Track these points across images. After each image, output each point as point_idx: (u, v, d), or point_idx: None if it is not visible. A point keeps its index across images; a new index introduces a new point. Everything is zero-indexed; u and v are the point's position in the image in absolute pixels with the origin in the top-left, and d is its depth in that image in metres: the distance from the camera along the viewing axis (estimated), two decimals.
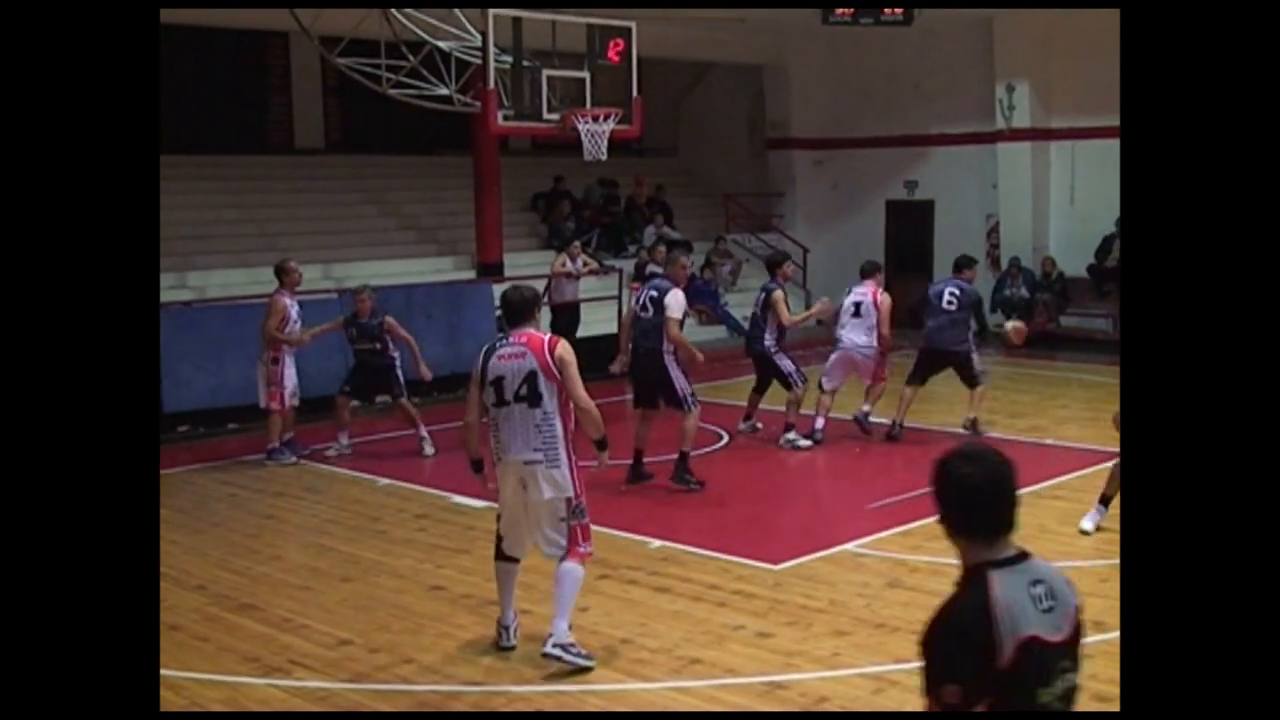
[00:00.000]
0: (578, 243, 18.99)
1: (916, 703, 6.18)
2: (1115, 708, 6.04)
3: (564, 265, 17.79)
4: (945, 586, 7.92)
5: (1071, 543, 8.72)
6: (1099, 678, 6.44)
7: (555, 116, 13.23)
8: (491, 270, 18.57)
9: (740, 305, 21.36)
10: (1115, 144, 18.42)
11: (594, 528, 9.62)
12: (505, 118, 13.20)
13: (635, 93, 13.81)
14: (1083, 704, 6.10)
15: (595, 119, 13.31)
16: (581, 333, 17.68)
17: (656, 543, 9.12)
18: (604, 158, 13.62)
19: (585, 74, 13.37)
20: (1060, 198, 20.69)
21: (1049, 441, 12.46)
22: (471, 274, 18.77)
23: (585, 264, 18.30)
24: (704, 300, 20.34)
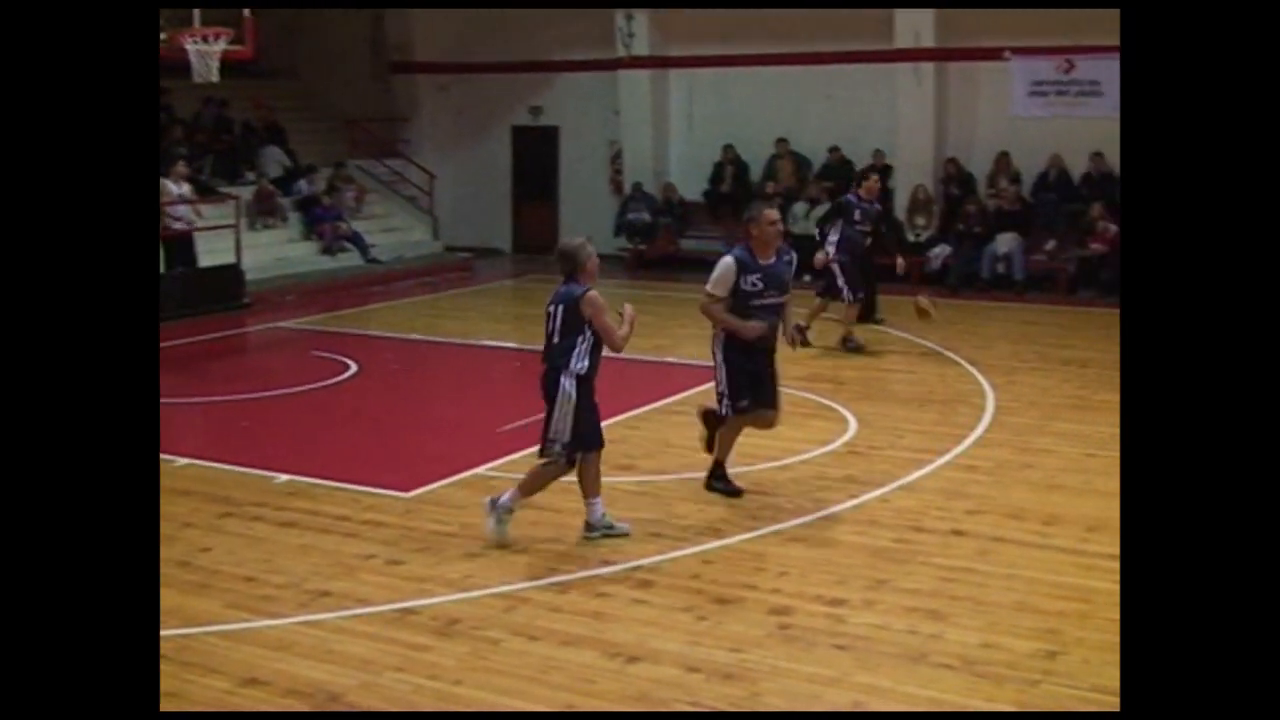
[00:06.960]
0: (181, 163, 17.59)
1: (547, 616, 6.30)
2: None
3: (165, 190, 16.51)
4: (573, 503, 8.05)
5: (693, 456, 8.94)
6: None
7: (162, 36, 12.53)
8: None
9: (364, 232, 20.91)
10: (730, 73, 19.33)
11: (215, 465, 9.27)
12: None
13: (247, 12, 13.26)
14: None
15: (205, 39, 12.73)
16: (203, 263, 16.81)
17: (283, 477, 8.86)
18: (215, 79, 13.05)
19: None
20: (679, 125, 21.30)
21: (671, 359, 12.87)
22: None
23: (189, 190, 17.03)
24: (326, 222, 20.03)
